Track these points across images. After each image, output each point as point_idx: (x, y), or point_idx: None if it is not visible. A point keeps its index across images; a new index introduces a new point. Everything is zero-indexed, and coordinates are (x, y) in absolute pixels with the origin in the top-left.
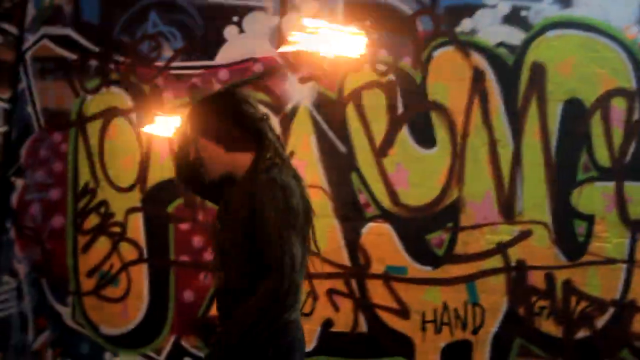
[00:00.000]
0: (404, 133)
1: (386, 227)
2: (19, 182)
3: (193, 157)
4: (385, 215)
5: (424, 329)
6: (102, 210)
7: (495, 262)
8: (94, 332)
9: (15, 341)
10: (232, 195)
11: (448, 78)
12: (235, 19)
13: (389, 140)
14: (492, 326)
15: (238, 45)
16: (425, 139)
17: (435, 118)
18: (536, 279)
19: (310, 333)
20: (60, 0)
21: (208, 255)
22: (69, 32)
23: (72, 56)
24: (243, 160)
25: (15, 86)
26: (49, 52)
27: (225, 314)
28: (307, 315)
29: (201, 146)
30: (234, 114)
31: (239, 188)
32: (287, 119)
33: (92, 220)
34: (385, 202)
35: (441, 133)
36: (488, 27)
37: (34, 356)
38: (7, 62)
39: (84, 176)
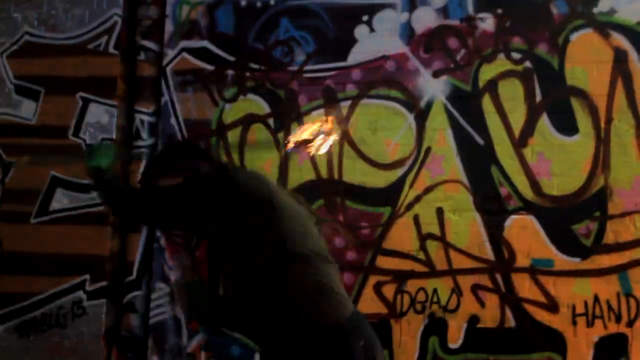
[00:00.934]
0: (544, 121)
1: (530, 219)
2: None
3: None
4: (528, 207)
5: (574, 323)
6: None
7: None
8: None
9: (170, 344)
10: None
11: (587, 61)
12: (365, 18)
13: (529, 129)
14: None
15: (369, 44)
16: (567, 126)
17: (576, 104)
18: None
19: (457, 329)
20: (196, 15)
21: (350, 255)
22: (205, 44)
23: (210, 67)
24: None
25: (159, 100)
26: (188, 64)
27: None
28: (452, 311)
29: None
30: None
31: None
32: (422, 114)
33: None
34: (528, 193)
35: (583, 119)
36: (628, 5)
37: (189, 358)
38: (150, 77)
39: None
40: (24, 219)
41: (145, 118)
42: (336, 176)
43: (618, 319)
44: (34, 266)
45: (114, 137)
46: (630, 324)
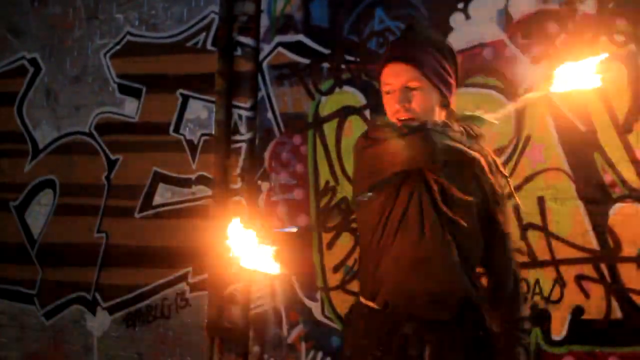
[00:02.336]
0: None
1: (636, 207)
2: (265, 185)
3: None
4: (634, 195)
5: None
6: (343, 206)
7: None
8: (343, 326)
9: (271, 336)
10: None
11: None
12: (460, 5)
13: (633, 114)
14: None
15: (465, 31)
16: None
17: None
18: None
19: (560, 321)
20: (290, 9)
21: None
22: (300, 38)
23: (305, 61)
24: None
25: (256, 95)
26: (284, 59)
27: None
28: (556, 302)
29: None
30: None
31: None
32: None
33: (335, 218)
34: (634, 180)
35: None
36: None
37: (290, 349)
38: (247, 73)
39: (324, 175)
40: (129, 214)
41: (243, 113)
42: None
43: None
44: (139, 259)
45: (213, 131)
46: None
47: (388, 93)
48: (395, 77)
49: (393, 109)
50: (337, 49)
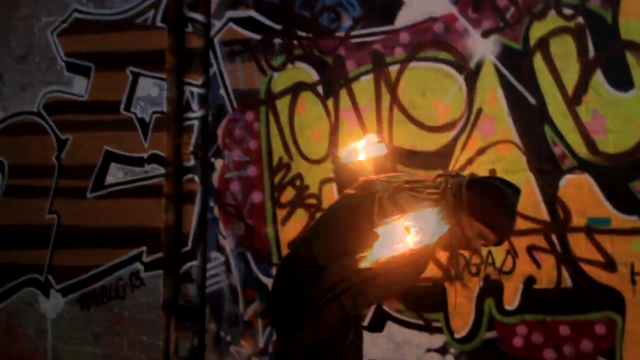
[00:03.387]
0: (598, 78)
1: (585, 178)
2: (218, 162)
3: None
4: (583, 166)
5: (633, 282)
6: (297, 183)
7: None
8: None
9: (227, 312)
10: None
11: None
12: None
13: (582, 86)
14: None
15: (416, 5)
16: (622, 81)
17: (631, 58)
18: None
19: (513, 291)
20: None
21: None
22: (252, 13)
23: (257, 37)
24: None
25: (207, 71)
26: (235, 35)
27: None
28: (508, 273)
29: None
30: None
31: None
32: (472, 75)
33: (289, 194)
34: (583, 152)
35: (638, 73)
36: None
37: (246, 326)
38: (198, 49)
39: (278, 151)
40: (81, 194)
41: (195, 90)
42: (386, 141)
43: None
44: (92, 240)
45: (165, 109)
46: None
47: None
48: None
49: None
50: (289, 24)
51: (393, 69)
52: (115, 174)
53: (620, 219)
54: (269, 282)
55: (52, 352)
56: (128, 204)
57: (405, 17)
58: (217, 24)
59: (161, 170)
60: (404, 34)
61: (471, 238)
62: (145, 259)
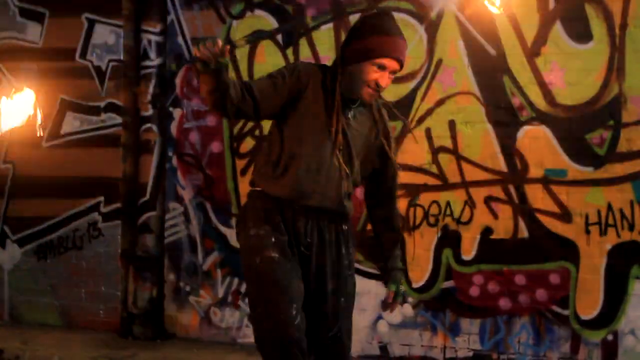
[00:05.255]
0: (557, 29)
1: (543, 130)
2: (177, 112)
3: None
4: (541, 118)
5: (588, 232)
6: (257, 133)
7: None
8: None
9: (186, 263)
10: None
11: None
12: None
13: (541, 38)
14: None
15: None
16: (580, 33)
17: (590, 10)
18: None
19: (470, 241)
20: None
21: None
22: None
23: None
24: None
25: (165, 19)
26: None
27: None
28: (466, 223)
29: None
30: None
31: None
32: (433, 26)
33: (248, 144)
34: (541, 103)
35: (597, 26)
36: None
37: (205, 276)
38: None
39: None
40: (36, 143)
41: (152, 37)
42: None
43: (631, 227)
44: (48, 190)
45: (122, 57)
46: None
47: (379, 67)
48: (395, 57)
49: (371, 82)
50: None
51: (353, 18)
52: (72, 123)
53: (577, 171)
54: (228, 232)
55: (9, 303)
56: (85, 153)
57: None
58: None
59: (118, 119)
60: None
61: (367, 79)
62: (103, 209)
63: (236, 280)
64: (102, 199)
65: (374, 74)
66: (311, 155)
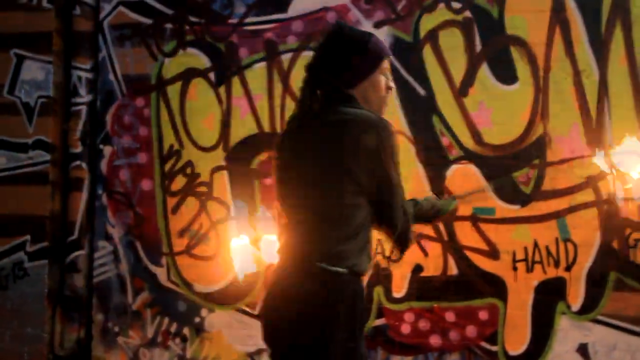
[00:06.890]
0: (484, 71)
1: (471, 168)
2: (107, 149)
3: None
4: (469, 156)
5: (515, 269)
6: (188, 171)
7: (586, 196)
8: (188, 290)
9: (115, 303)
10: None
11: (526, 10)
12: None
13: (469, 79)
14: (586, 261)
15: None
16: (506, 75)
17: (515, 53)
18: (630, 210)
19: (401, 279)
20: None
21: None
22: None
23: (148, 21)
24: None
25: (96, 55)
26: (125, 18)
27: None
28: (397, 261)
29: None
30: None
31: None
32: None
33: (179, 182)
34: (469, 142)
35: (522, 68)
36: None
37: (134, 316)
38: (86, 32)
39: (169, 139)
40: None
41: (83, 74)
42: (279, 129)
43: (557, 263)
44: None
45: (51, 94)
46: (568, 268)
47: (390, 89)
48: (389, 54)
49: (387, 90)
50: (181, 9)
51: (286, 58)
52: None
53: (504, 208)
54: (158, 271)
55: None
56: (11, 191)
57: (298, 6)
58: (107, 7)
59: (47, 156)
60: (297, 23)
61: (383, 87)
62: (29, 248)
63: (166, 320)
64: (28, 237)
65: (384, 79)
66: None
